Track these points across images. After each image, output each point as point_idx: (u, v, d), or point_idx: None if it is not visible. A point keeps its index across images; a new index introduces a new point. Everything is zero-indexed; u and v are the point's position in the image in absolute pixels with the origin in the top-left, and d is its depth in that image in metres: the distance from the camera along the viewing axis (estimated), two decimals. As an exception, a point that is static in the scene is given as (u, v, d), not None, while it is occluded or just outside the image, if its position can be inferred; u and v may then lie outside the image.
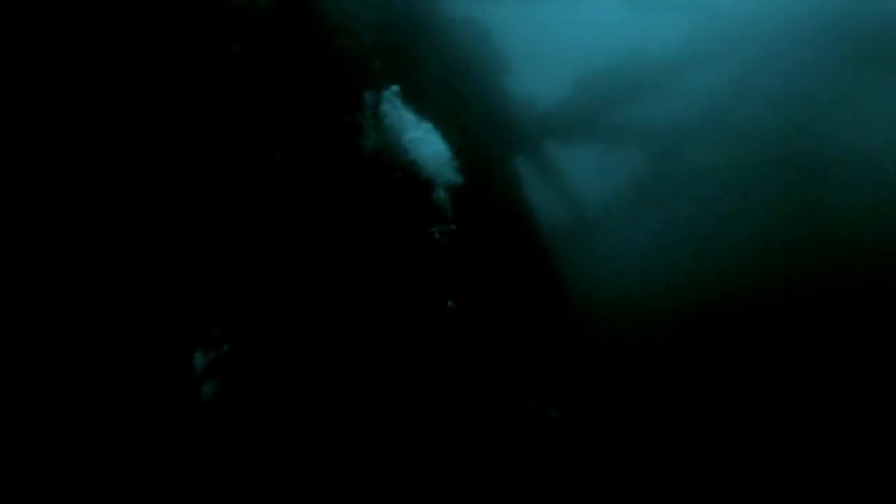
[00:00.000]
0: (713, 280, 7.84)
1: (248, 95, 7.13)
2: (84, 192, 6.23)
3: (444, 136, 8.28)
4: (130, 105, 6.48)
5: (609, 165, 9.00)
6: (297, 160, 7.29)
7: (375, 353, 6.84)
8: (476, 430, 6.54)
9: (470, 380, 6.82)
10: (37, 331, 5.81)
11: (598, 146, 9.10)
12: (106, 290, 6.12)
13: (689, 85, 8.71)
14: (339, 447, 6.30)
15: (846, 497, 6.03)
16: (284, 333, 6.57)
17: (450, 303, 6.96)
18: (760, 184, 8.14)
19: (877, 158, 7.81)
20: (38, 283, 5.98)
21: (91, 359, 5.93)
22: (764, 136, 8.25)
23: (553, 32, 8.84)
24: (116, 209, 6.28)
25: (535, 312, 7.19)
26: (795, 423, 6.63)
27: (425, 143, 7.38)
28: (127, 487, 5.66)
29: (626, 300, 8.02)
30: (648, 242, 8.38)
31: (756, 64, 8.54)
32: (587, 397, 6.95)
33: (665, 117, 8.76)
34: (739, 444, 6.60)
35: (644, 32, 8.77)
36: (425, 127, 7.42)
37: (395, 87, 7.32)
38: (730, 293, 7.63)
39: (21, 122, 6.15)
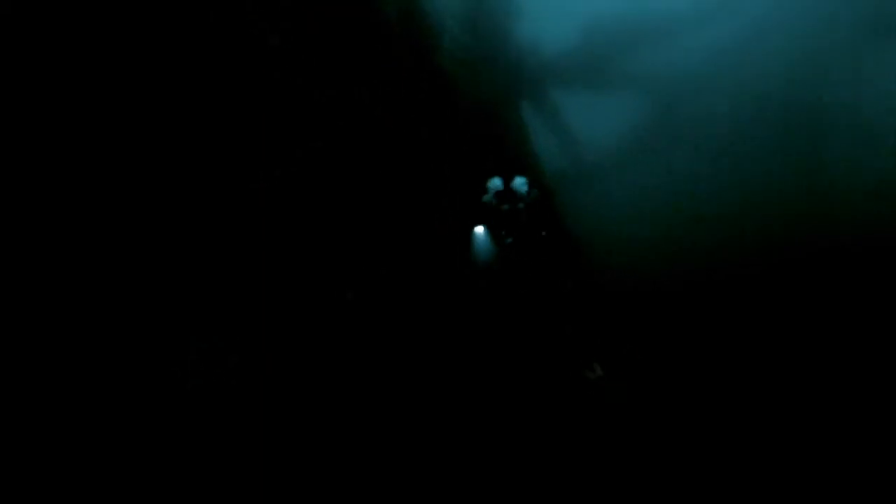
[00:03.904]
0: (711, 227, 8.07)
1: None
2: (106, 189, 6.30)
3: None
4: (142, 103, 6.54)
5: (612, 113, 9.05)
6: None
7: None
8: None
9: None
10: (36, 328, 5.86)
11: (601, 94, 9.13)
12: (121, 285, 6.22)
13: (695, 39, 8.74)
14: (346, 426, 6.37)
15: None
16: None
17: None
18: (760, 138, 8.30)
19: (876, 121, 7.97)
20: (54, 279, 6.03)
21: (89, 354, 6.01)
22: (766, 93, 8.37)
23: (564, -21, 8.79)
24: (133, 205, 6.38)
25: (542, 255, 7.31)
26: (794, 372, 6.84)
27: None
28: (121, 486, 5.75)
29: (625, 243, 8.22)
30: (648, 188, 8.54)
31: (763, 22, 8.58)
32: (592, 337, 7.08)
33: (670, 69, 8.82)
34: (741, 392, 6.80)
35: (656, -18, 8.72)
36: None
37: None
38: (727, 240, 7.87)
39: (44, 120, 6.17)
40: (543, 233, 7.12)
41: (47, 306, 5.98)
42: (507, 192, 7.04)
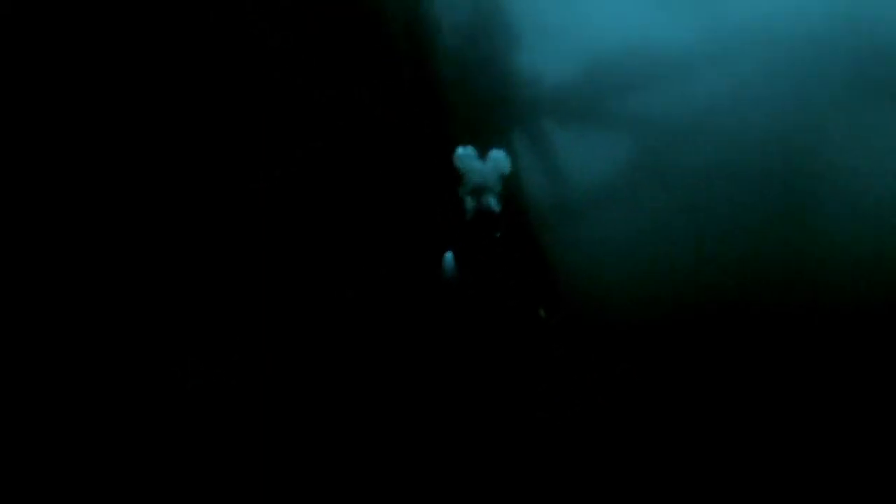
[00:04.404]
0: (697, 274, 8.05)
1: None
2: (105, 189, 6.44)
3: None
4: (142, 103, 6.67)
5: (602, 152, 9.02)
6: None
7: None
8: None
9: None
10: (34, 327, 5.98)
11: (593, 132, 9.11)
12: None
13: (692, 85, 8.76)
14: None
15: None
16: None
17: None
18: (747, 192, 8.29)
19: (867, 186, 8.02)
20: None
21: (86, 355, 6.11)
22: (759, 146, 8.38)
23: (569, 12, 8.79)
24: (132, 205, 6.52)
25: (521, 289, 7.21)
26: (784, 422, 6.85)
27: None
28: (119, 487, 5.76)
29: (609, 284, 8.20)
30: (635, 230, 8.48)
31: (760, 76, 8.63)
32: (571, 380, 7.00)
33: (665, 113, 8.81)
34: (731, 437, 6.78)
35: (658, 27, 8.75)
36: None
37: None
38: (704, 288, 7.86)
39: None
40: (517, 256, 6.95)
41: (46, 306, 6.07)
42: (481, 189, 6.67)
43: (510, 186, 8.29)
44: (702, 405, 7.06)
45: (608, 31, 8.79)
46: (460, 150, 6.32)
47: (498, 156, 6.39)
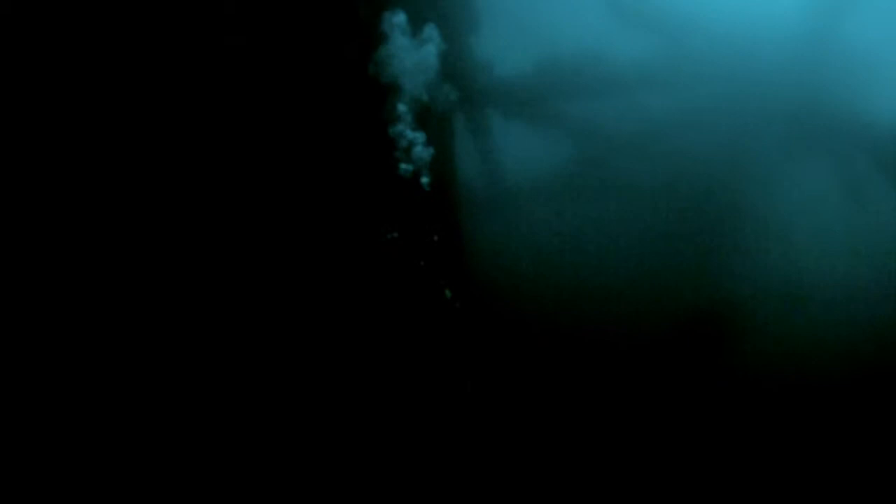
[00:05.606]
0: (612, 282, 8.19)
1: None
2: (104, 189, 6.52)
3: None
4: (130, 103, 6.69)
5: (543, 150, 9.02)
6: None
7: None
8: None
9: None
10: (34, 327, 6.05)
11: (538, 129, 9.08)
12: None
13: (639, 102, 8.89)
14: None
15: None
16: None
17: None
18: (676, 211, 8.43)
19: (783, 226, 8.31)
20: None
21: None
22: (692, 171, 8.55)
23: (531, 9, 8.76)
24: (132, 204, 6.58)
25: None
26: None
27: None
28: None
29: (526, 279, 8.17)
30: (562, 231, 8.51)
31: (705, 106, 8.82)
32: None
33: (609, 123, 8.91)
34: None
35: (616, 40, 8.85)
36: None
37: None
38: (625, 298, 8.08)
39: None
40: (435, 237, 6.89)
41: (46, 306, 6.14)
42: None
43: (444, 167, 8.29)
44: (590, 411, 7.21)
45: (567, 35, 8.79)
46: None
47: (431, 33, 6.22)
